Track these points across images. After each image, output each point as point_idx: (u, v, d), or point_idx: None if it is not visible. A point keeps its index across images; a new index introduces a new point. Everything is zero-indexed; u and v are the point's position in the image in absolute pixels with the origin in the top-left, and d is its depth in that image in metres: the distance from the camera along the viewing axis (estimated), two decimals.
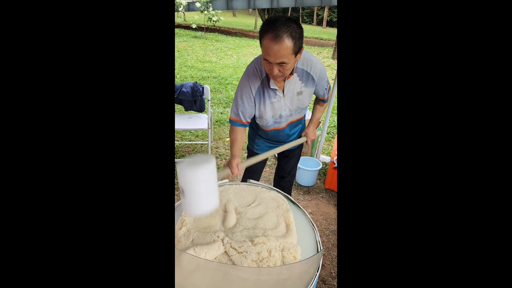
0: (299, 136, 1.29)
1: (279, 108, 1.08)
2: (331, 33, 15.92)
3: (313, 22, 27.58)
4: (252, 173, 1.38)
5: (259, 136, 1.28)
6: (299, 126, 1.28)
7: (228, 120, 2.80)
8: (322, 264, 1.47)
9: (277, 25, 0.81)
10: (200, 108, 2.29)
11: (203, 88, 2.24)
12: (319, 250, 0.80)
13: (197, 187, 0.71)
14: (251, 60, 1.07)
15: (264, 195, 0.99)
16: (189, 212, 0.75)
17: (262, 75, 1.01)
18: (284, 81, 1.02)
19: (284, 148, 1.21)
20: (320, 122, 2.48)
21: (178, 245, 0.76)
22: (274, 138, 1.25)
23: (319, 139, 2.37)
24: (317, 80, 1.07)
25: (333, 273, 1.43)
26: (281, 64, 0.86)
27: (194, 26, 10.70)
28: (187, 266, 0.66)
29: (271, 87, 1.02)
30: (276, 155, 1.49)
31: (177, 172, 0.70)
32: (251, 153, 1.35)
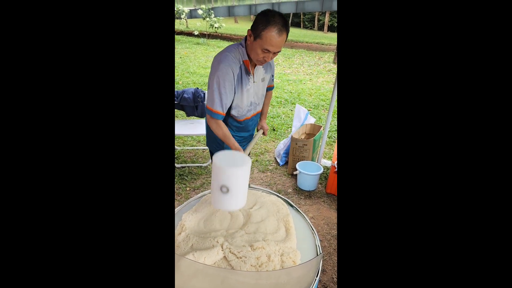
0: (256, 130, 1.38)
1: (251, 94, 1.14)
2: (332, 38, 16.02)
3: (314, 27, 27.79)
4: None
5: None
6: (257, 119, 1.32)
7: None
8: (323, 269, 1.45)
9: (277, 19, 0.93)
10: (202, 114, 2.31)
11: (204, 93, 2.26)
12: (319, 254, 0.79)
13: (243, 183, 0.77)
14: None
15: (264, 199, 1.00)
16: (229, 207, 0.79)
17: (240, 62, 1.04)
18: (254, 67, 1.09)
19: (254, 143, 1.23)
20: (321, 127, 2.49)
21: (177, 250, 0.76)
22: (244, 129, 1.25)
23: (320, 143, 2.38)
24: (272, 66, 1.18)
25: (334, 279, 1.41)
26: (276, 52, 0.99)
27: (196, 32, 10.85)
28: (187, 271, 0.67)
29: (250, 72, 1.07)
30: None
31: (222, 170, 0.74)
32: None
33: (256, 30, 0.95)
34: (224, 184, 0.74)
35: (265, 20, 0.93)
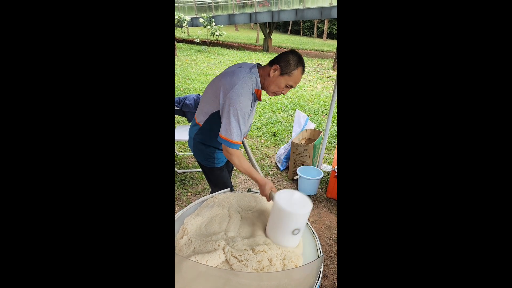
0: None
1: (251, 118, 1.20)
2: (331, 45, 16.20)
3: (313, 34, 28.13)
4: (225, 180, 1.33)
5: (218, 150, 1.23)
6: None
7: None
8: (324, 274, 1.45)
9: (302, 61, 1.06)
10: None
11: None
12: (319, 256, 0.80)
13: (305, 223, 0.83)
14: None
15: (265, 202, 1.01)
16: (295, 243, 0.84)
17: (253, 92, 1.07)
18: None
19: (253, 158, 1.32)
20: (321, 132, 2.50)
21: (179, 254, 0.77)
22: None
23: (321, 148, 2.39)
24: None
25: (336, 283, 1.41)
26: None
27: (197, 40, 11.01)
28: (189, 273, 0.67)
29: (259, 100, 1.12)
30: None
31: (296, 216, 0.78)
32: (211, 171, 1.29)
33: (287, 68, 1.04)
34: (298, 228, 0.79)
35: (297, 60, 1.04)
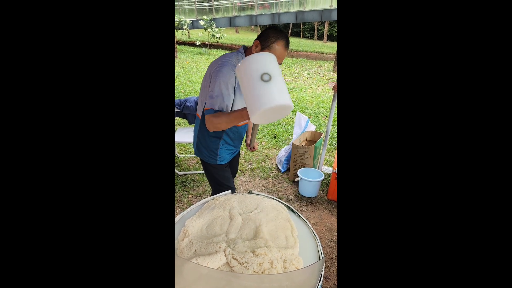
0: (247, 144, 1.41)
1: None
2: (332, 47, 16.25)
3: (313, 36, 28.22)
4: (227, 181, 1.31)
5: (221, 145, 1.22)
6: (246, 128, 1.35)
7: None
8: (326, 276, 1.44)
9: (284, 35, 1.05)
10: None
11: None
12: (321, 258, 0.80)
13: (279, 72, 0.76)
14: None
15: (265, 204, 1.01)
16: (279, 99, 0.73)
17: None
18: None
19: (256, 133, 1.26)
20: (321, 134, 2.50)
21: (181, 256, 0.77)
22: (240, 135, 1.27)
23: (321, 150, 2.39)
24: None
25: (337, 285, 1.40)
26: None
27: (198, 43, 11.07)
28: (189, 275, 0.68)
29: None
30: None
31: (257, 57, 0.74)
32: (215, 168, 1.26)
33: (266, 41, 1.03)
34: (266, 72, 0.70)
35: (276, 33, 1.04)
